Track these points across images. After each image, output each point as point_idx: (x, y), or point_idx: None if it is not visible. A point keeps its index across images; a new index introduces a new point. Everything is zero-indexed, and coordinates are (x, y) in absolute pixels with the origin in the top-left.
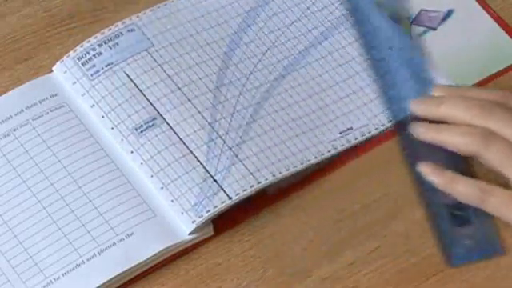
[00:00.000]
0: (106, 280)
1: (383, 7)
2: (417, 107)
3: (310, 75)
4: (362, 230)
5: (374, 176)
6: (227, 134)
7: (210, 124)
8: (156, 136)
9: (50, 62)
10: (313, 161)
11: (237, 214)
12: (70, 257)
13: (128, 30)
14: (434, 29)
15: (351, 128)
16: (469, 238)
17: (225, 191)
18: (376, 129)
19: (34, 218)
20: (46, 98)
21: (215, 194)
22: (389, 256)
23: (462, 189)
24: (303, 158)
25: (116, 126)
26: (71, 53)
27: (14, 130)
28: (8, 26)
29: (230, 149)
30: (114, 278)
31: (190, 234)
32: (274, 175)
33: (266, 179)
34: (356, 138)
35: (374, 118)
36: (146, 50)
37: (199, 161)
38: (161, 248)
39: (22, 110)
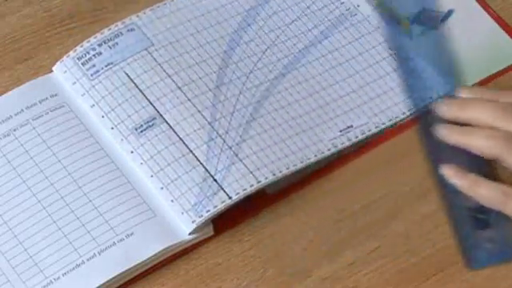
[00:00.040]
0: (105, 280)
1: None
2: (442, 109)
3: (310, 74)
4: (361, 229)
5: (374, 176)
6: (227, 133)
7: (209, 123)
8: (156, 136)
9: (50, 62)
10: (313, 159)
11: (237, 213)
12: (70, 257)
13: (128, 30)
14: (434, 29)
15: (351, 126)
16: (490, 242)
17: (225, 191)
18: (376, 127)
19: (34, 217)
20: (46, 98)
21: (215, 193)
22: (389, 256)
23: (484, 192)
24: (303, 156)
25: (116, 125)
26: (71, 53)
27: (14, 130)
28: (8, 26)
29: (230, 148)
30: (114, 278)
31: (189, 233)
32: (274, 174)
33: (266, 178)
34: (356, 137)
35: (374, 116)
36: (146, 50)
37: (199, 160)
38: (161, 248)
39: (22, 110)
